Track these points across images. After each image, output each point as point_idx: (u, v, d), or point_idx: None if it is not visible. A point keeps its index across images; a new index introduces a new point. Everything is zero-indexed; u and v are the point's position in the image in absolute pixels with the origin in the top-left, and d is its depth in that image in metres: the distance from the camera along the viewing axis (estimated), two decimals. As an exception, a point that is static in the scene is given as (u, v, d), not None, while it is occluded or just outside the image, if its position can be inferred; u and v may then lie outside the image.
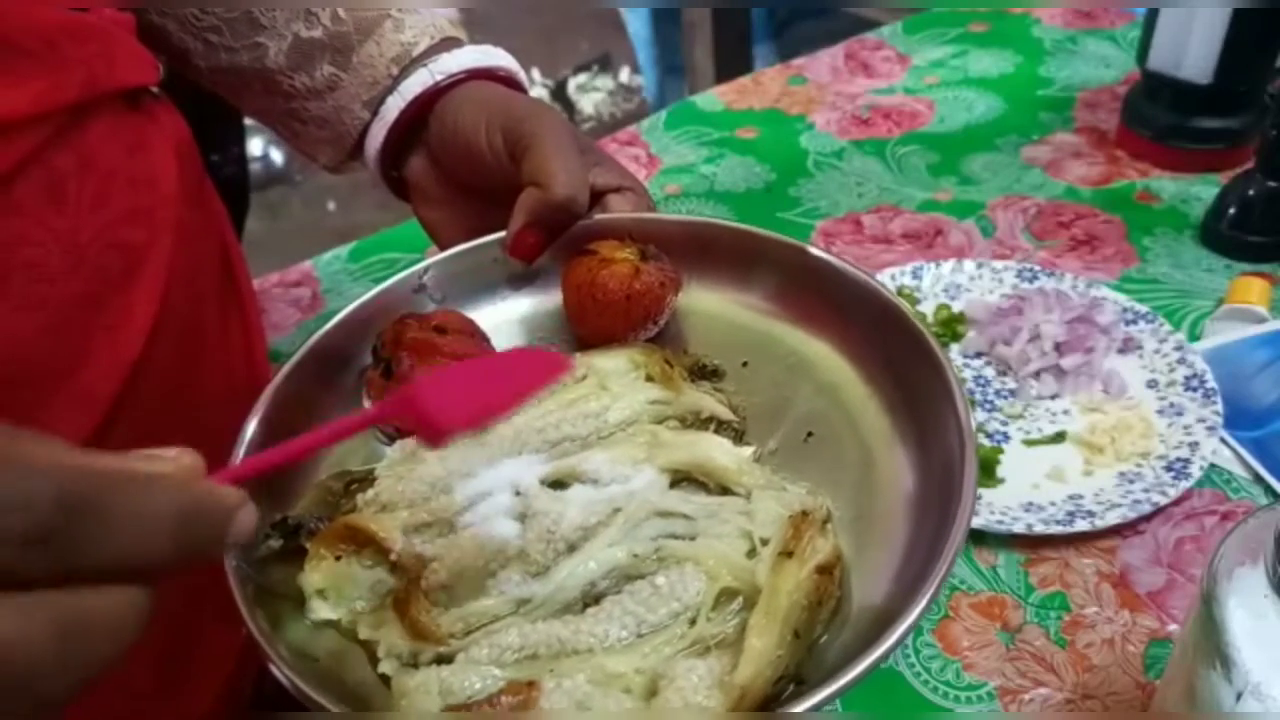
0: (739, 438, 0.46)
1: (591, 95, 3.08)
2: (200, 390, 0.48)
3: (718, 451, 0.43)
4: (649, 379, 0.46)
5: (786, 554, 0.38)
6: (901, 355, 0.45)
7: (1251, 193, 0.81)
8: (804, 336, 0.49)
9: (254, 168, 2.52)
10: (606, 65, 3.14)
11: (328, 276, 0.88)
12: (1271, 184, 0.80)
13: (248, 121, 1.10)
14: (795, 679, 0.36)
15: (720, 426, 0.46)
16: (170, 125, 0.49)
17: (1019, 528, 0.60)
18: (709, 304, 0.51)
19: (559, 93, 3.08)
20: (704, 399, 0.46)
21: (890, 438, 0.44)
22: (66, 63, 0.42)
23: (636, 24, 2.30)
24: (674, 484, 0.43)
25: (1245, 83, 0.88)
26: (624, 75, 3.11)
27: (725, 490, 0.42)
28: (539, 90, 3.07)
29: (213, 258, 0.53)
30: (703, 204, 0.94)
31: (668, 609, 0.38)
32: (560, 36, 3.21)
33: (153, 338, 0.44)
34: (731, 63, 2.04)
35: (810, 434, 0.46)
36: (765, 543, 0.39)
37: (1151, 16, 0.89)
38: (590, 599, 0.39)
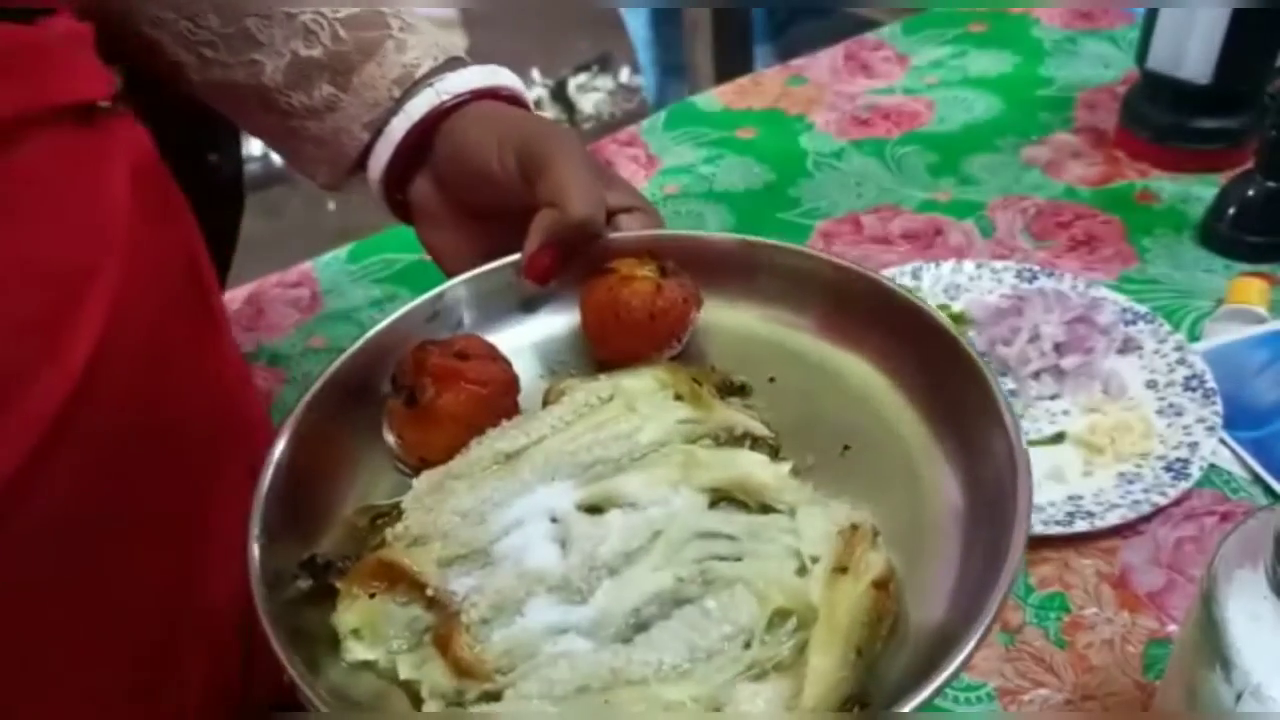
0: (775, 453, 0.44)
1: (591, 95, 3.08)
2: (159, 410, 0.47)
3: (757, 468, 0.42)
4: (678, 398, 0.45)
5: (841, 569, 0.37)
6: (935, 361, 0.44)
7: (1251, 193, 0.81)
8: (829, 348, 0.48)
9: (254, 168, 2.52)
10: (606, 65, 3.14)
11: (327, 277, 0.88)
12: (1271, 184, 0.80)
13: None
14: (860, 700, 0.35)
15: (755, 443, 0.44)
16: (127, 140, 0.47)
17: (1018, 528, 0.60)
18: (729, 319, 0.50)
19: (559, 93, 3.08)
20: (736, 415, 0.45)
21: (931, 448, 0.43)
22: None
23: (636, 24, 2.30)
24: (713, 504, 0.41)
25: (1245, 83, 0.88)
26: (624, 75, 3.11)
27: (766, 508, 0.41)
28: (539, 90, 3.07)
29: (177, 274, 0.52)
30: (702, 204, 0.94)
31: (720, 633, 0.36)
32: (560, 36, 3.21)
33: (99, 358, 0.42)
34: (731, 63, 2.04)
35: (847, 447, 0.44)
36: (815, 560, 0.38)
37: (1151, 17, 0.89)
38: (638, 626, 0.38)
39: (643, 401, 0.44)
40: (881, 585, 0.37)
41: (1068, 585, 0.59)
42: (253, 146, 2.57)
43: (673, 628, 0.37)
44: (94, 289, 0.43)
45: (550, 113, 3.04)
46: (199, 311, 0.53)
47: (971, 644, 0.34)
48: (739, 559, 0.39)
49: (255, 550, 0.39)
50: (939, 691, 0.33)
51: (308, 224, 2.61)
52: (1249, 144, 0.88)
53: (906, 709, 0.32)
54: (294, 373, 0.78)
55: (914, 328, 0.45)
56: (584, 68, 3.13)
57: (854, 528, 0.38)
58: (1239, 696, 0.39)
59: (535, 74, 3.09)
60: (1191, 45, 0.87)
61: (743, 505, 0.42)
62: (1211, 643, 0.40)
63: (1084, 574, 0.59)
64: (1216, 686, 0.40)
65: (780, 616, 0.37)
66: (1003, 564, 0.35)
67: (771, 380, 0.48)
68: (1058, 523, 0.60)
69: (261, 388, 0.77)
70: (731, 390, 0.47)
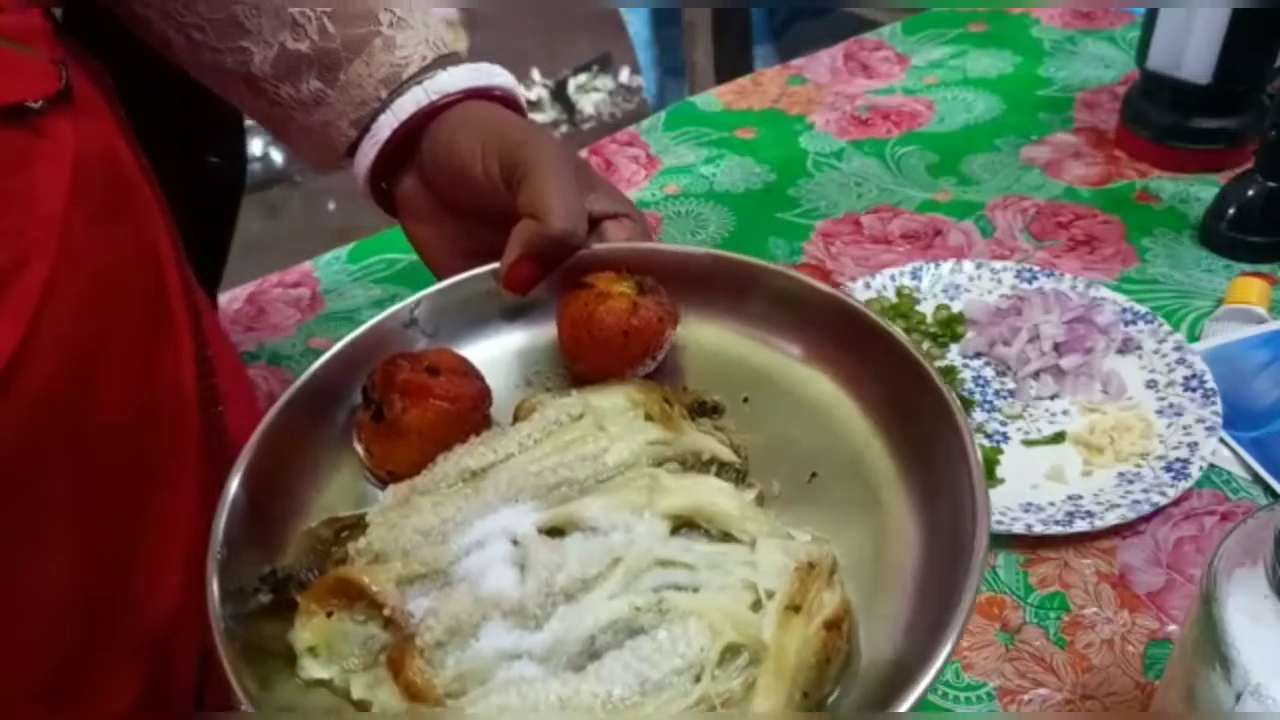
0: (741, 478, 0.44)
1: (591, 95, 3.08)
2: (95, 415, 0.46)
3: (720, 497, 0.41)
4: (648, 418, 0.45)
5: (793, 609, 0.37)
6: (905, 391, 0.44)
7: (1251, 193, 0.81)
8: (804, 370, 0.48)
9: (254, 168, 2.52)
10: (606, 65, 3.14)
11: (327, 277, 0.88)
12: (1271, 184, 0.80)
13: (248, 122, 1.09)
14: None
15: (722, 468, 0.44)
16: (68, 139, 0.46)
17: (1018, 528, 0.60)
18: (706, 336, 0.50)
19: (559, 93, 3.08)
20: (705, 440, 0.45)
21: (896, 479, 0.43)
22: None
23: (636, 24, 2.30)
24: (675, 530, 0.41)
25: (1245, 83, 0.88)
26: (624, 75, 3.11)
27: (728, 536, 0.41)
28: (539, 90, 3.07)
29: (125, 275, 0.50)
30: (702, 204, 0.94)
31: (671, 665, 0.36)
32: (560, 36, 3.21)
33: (19, 361, 0.41)
34: (731, 63, 2.04)
35: (814, 474, 0.44)
36: (770, 595, 0.38)
37: (1151, 16, 0.89)
38: (591, 654, 0.38)
39: (612, 420, 0.44)
40: (833, 626, 0.37)
41: (1067, 585, 0.59)
42: (253, 147, 2.58)
43: (624, 658, 0.37)
44: (17, 287, 0.42)
45: (550, 113, 3.04)
46: (152, 313, 0.52)
47: (923, 685, 0.34)
48: (696, 589, 0.39)
49: (214, 563, 0.38)
50: None
51: (308, 224, 2.61)
52: (1249, 144, 0.88)
53: None
54: (295, 373, 0.78)
55: (888, 358, 0.45)
56: (584, 68, 3.13)
57: (810, 565, 0.38)
58: (1239, 696, 0.39)
59: (535, 74, 3.09)
60: (1191, 45, 0.87)
61: (706, 531, 0.41)
62: (1211, 642, 0.40)
63: (1084, 574, 0.59)
64: (1216, 686, 0.40)
65: (731, 652, 0.37)
66: (956, 607, 0.35)
67: (745, 400, 0.48)
68: (1057, 523, 0.60)
69: (262, 388, 0.77)
70: (704, 411, 0.47)
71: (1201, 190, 0.89)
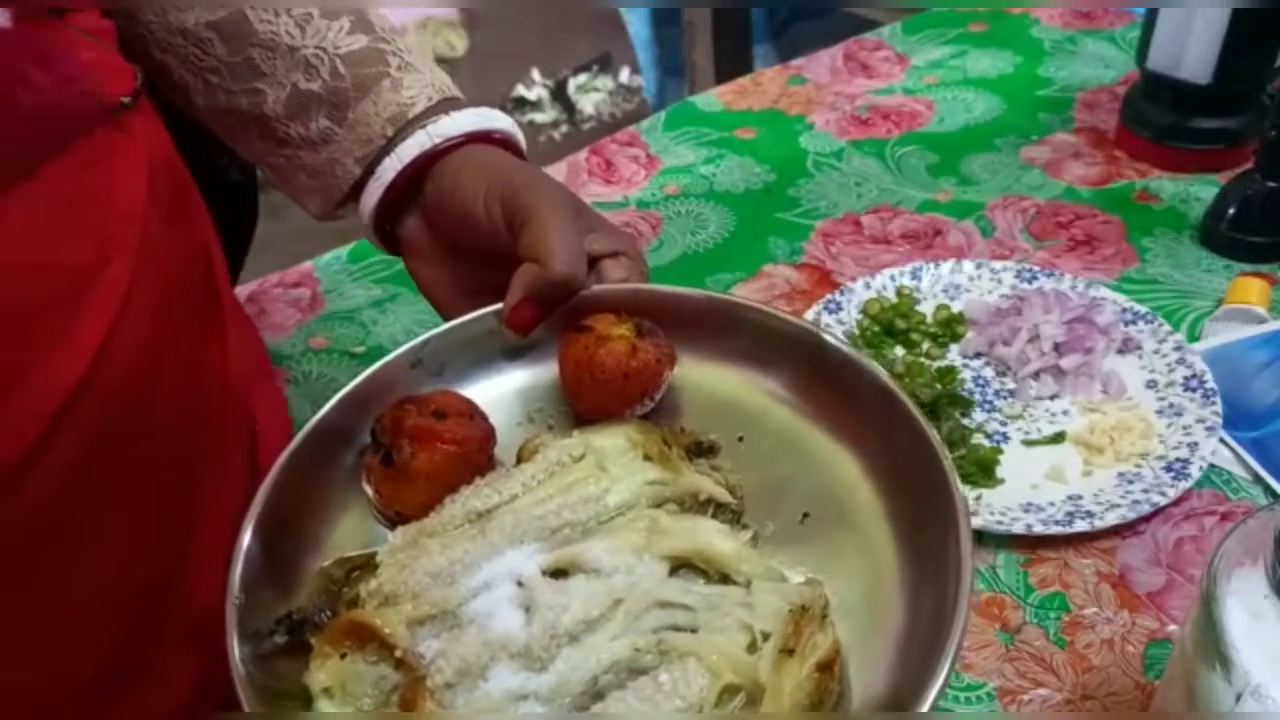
0: (737, 519, 0.46)
1: (591, 95, 3.08)
2: (156, 405, 0.47)
3: (717, 539, 0.43)
4: (647, 458, 0.46)
5: (787, 651, 0.38)
6: (891, 431, 0.45)
7: (1251, 193, 0.81)
8: (797, 412, 0.49)
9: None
10: (606, 65, 3.14)
11: (328, 277, 0.88)
12: (1271, 184, 0.80)
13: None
14: None
15: (718, 509, 0.46)
16: (146, 137, 0.48)
17: (1018, 528, 0.60)
18: (701, 377, 0.51)
19: (559, 93, 3.08)
20: (702, 481, 0.46)
21: (885, 521, 0.44)
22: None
23: (636, 24, 2.30)
24: (674, 570, 0.43)
25: (1245, 83, 0.88)
26: (624, 75, 3.11)
27: (725, 577, 0.43)
28: (539, 90, 3.07)
29: (187, 272, 0.52)
30: (702, 204, 0.94)
31: (672, 705, 0.38)
32: (560, 36, 3.21)
33: (100, 359, 0.43)
34: (731, 63, 2.04)
35: (806, 515, 0.46)
36: (766, 636, 0.39)
37: (1151, 17, 0.89)
38: (595, 695, 0.39)
39: (613, 461, 0.46)
40: (825, 668, 0.38)
41: (1067, 585, 0.59)
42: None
43: (627, 699, 0.38)
44: (103, 284, 0.43)
45: (550, 113, 3.04)
46: (207, 309, 0.54)
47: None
48: (694, 630, 0.40)
49: (232, 610, 0.40)
50: None
51: (308, 224, 2.60)
52: (1249, 144, 0.88)
53: None
54: (295, 373, 0.78)
55: (874, 398, 0.46)
56: (584, 68, 3.13)
57: (804, 609, 0.40)
58: (1239, 696, 0.39)
59: (535, 74, 3.09)
60: (1191, 45, 0.87)
61: (703, 572, 0.43)
62: (1211, 642, 0.40)
63: (1084, 574, 0.59)
64: (1216, 686, 0.40)
65: (729, 692, 0.39)
66: (942, 650, 0.37)
67: (740, 440, 0.49)
68: (1057, 522, 0.60)
69: (263, 388, 0.77)
70: (701, 451, 0.48)
71: (1201, 190, 0.89)
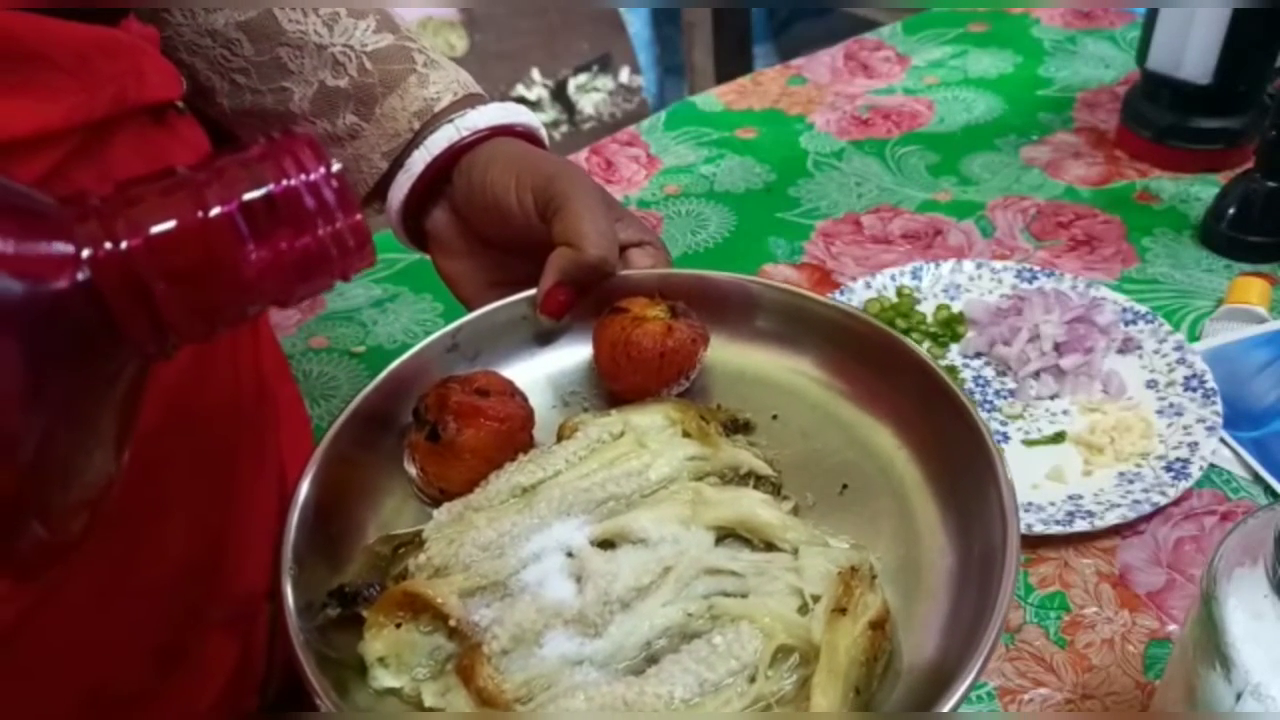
0: (777, 491, 0.46)
1: (591, 95, 3.08)
2: (203, 403, 0.49)
3: (760, 508, 0.44)
4: (685, 435, 0.47)
5: (840, 610, 0.39)
6: (925, 400, 0.46)
7: (1251, 193, 0.81)
8: (828, 387, 0.50)
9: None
10: (606, 65, 3.13)
11: (328, 277, 0.88)
12: (1271, 184, 0.80)
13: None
14: None
15: (759, 481, 0.46)
16: (192, 140, 0.49)
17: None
18: (734, 357, 0.52)
19: (559, 93, 3.07)
20: (741, 454, 0.47)
21: (923, 488, 0.45)
22: (98, 78, 0.41)
23: (636, 24, 2.31)
24: (719, 540, 0.43)
25: (1245, 83, 0.88)
26: (624, 75, 3.10)
27: (770, 546, 0.43)
28: (539, 90, 3.06)
29: None
30: (703, 204, 0.94)
31: (726, 667, 0.38)
32: (560, 36, 3.21)
33: None
34: (731, 63, 2.04)
35: (845, 486, 0.46)
36: (816, 599, 0.40)
37: (1151, 16, 0.89)
38: (649, 659, 0.39)
39: (652, 438, 0.46)
40: (878, 625, 0.39)
41: (1067, 585, 0.59)
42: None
43: (682, 661, 0.38)
44: None
45: (550, 113, 3.04)
46: None
47: (966, 683, 0.35)
48: (744, 595, 0.41)
49: (288, 577, 0.40)
50: None
51: (308, 224, 2.60)
52: (1249, 144, 0.88)
53: None
54: (295, 372, 0.78)
55: (905, 369, 0.47)
56: (584, 68, 3.12)
57: (853, 569, 0.40)
58: (1239, 696, 0.39)
59: (535, 74, 3.08)
60: (1191, 45, 0.87)
61: (747, 542, 0.43)
62: (1211, 642, 0.40)
63: (1084, 573, 0.59)
64: (1216, 686, 0.40)
65: (783, 653, 0.39)
66: (993, 607, 0.37)
67: (774, 418, 0.50)
68: (1058, 522, 0.60)
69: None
70: (736, 427, 0.49)
71: (1201, 190, 0.89)
